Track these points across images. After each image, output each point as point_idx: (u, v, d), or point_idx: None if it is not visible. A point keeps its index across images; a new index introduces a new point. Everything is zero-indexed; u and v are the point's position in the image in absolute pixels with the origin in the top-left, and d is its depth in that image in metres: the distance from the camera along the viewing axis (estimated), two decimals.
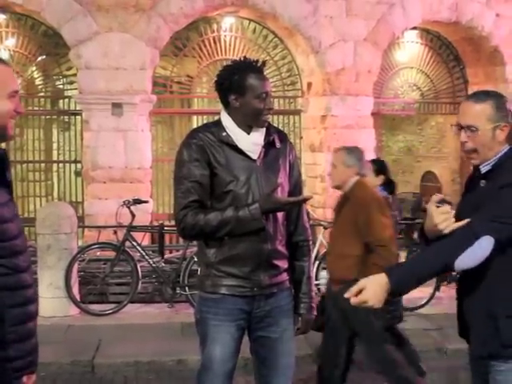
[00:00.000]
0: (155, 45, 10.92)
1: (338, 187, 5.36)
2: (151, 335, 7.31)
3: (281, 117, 12.30)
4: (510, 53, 12.50)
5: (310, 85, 11.97)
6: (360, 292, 2.79)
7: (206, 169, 3.39)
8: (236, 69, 3.47)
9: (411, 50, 13.11)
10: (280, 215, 3.50)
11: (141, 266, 8.45)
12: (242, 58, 3.57)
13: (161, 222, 10.08)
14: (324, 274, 8.29)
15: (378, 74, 12.12)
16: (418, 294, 8.91)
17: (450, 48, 13.22)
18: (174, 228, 10.51)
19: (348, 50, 11.59)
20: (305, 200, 3.53)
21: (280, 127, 12.42)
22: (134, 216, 8.59)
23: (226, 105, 3.48)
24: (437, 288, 8.63)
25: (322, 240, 8.57)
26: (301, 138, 12.26)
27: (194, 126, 13.14)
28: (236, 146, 3.43)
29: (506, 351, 2.87)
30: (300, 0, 11.38)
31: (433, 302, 8.61)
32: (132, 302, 8.34)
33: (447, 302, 8.58)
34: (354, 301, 2.81)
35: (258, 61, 3.51)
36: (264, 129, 3.51)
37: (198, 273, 3.64)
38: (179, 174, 3.45)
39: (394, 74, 13.05)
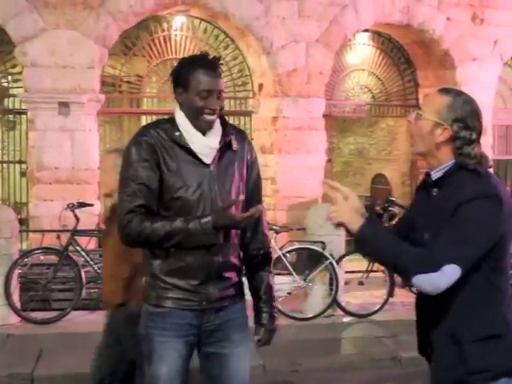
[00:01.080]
0: (104, 43, 10.68)
1: (107, 195, 4.73)
2: (96, 345, 7.05)
3: (231, 118, 12.14)
4: (460, 56, 12.59)
5: (261, 86, 11.86)
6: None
7: (155, 171, 3.14)
8: (187, 62, 3.27)
9: (363, 53, 13.11)
10: None
11: (85, 272, 8.22)
12: (198, 53, 3.40)
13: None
14: (276, 280, 8.19)
15: (330, 75, 12.07)
16: (370, 300, 8.90)
17: (402, 51, 13.25)
18: None
19: (300, 52, 11.51)
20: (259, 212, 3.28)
21: None
22: (78, 220, 8.36)
23: (177, 99, 3.28)
24: (390, 293, 8.54)
25: (273, 245, 8.41)
26: (251, 139, 12.13)
27: None
28: (189, 148, 3.18)
29: (472, 378, 2.70)
30: (252, 0, 11.27)
31: (386, 308, 8.53)
32: (76, 309, 8.11)
33: (400, 307, 8.57)
34: (329, 208, 2.73)
35: (210, 56, 3.26)
36: (220, 129, 3.28)
37: (143, 283, 3.35)
38: (126, 174, 3.18)
39: (346, 76, 13.03)
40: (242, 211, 3.20)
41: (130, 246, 3.27)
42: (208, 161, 3.23)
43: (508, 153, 13.91)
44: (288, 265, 8.32)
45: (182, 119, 3.23)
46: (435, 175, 2.84)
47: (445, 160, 2.81)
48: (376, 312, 8.44)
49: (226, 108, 12.15)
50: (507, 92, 13.73)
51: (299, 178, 11.46)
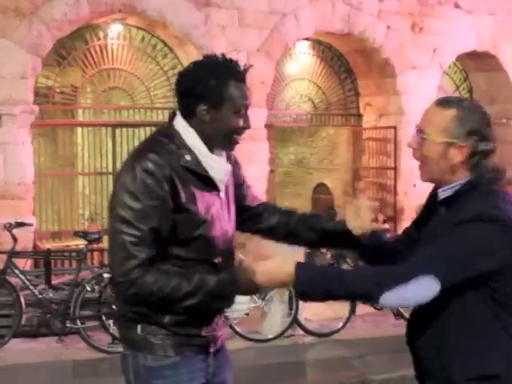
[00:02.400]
0: (37, 52, 10.20)
1: None
2: (37, 378, 6.57)
3: None
4: (400, 65, 12.56)
5: None
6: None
7: (168, 211, 2.53)
8: (214, 71, 2.65)
9: (303, 62, 12.95)
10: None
11: (24, 295, 7.73)
12: (220, 57, 2.72)
13: (47, 247, 9.38)
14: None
15: (271, 85, 11.87)
16: (331, 317, 8.55)
17: (342, 60, 13.14)
18: (62, 253, 9.82)
19: (241, 61, 11.18)
20: None
21: None
22: (16, 241, 7.87)
23: (189, 115, 2.66)
24: (352, 310, 8.19)
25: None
26: None
27: (79, 138, 12.50)
28: (205, 175, 2.63)
29: None
30: (191, 8, 10.97)
31: (348, 326, 8.15)
32: (16, 337, 7.60)
33: (362, 324, 8.29)
34: (247, 263, 2.49)
35: (239, 64, 2.74)
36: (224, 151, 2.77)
37: (127, 326, 2.71)
38: (132, 212, 2.49)
39: (286, 85, 12.86)
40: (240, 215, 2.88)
41: (131, 304, 2.61)
42: (223, 188, 2.75)
43: None
44: None
45: (193, 139, 2.64)
46: (443, 194, 2.53)
47: (459, 178, 2.49)
48: (338, 330, 8.10)
49: (166, 119, 11.75)
50: None
51: None
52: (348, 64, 13.14)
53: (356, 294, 2.48)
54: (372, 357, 5.85)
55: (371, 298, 2.38)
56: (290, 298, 7.98)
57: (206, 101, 2.62)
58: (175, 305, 2.56)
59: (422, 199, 2.67)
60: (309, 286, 2.39)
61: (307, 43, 12.77)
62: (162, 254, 2.57)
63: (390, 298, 2.32)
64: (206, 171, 2.65)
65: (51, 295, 7.93)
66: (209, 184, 2.67)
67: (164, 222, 2.53)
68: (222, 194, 2.75)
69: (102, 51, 11.25)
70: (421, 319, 2.52)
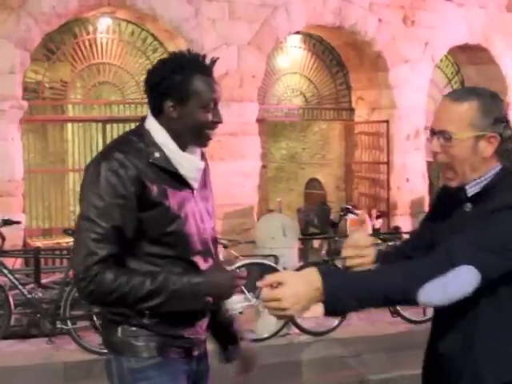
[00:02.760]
0: (25, 47, 10.05)
1: None
2: (27, 381, 6.39)
3: None
4: (392, 58, 12.48)
5: None
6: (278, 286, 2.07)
7: (132, 210, 2.50)
8: (179, 66, 2.59)
9: (294, 55, 12.86)
10: (214, 249, 2.78)
11: (13, 295, 7.59)
12: (186, 53, 2.67)
13: (37, 245, 9.25)
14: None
15: (262, 79, 11.77)
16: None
17: (333, 53, 13.06)
18: (52, 252, 9.65)
19: (231, 55, 11.15)
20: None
21: None
22: (4, 239, 7.70)
23: (158, 112, 2.62)
24: None
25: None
26: None
27: (69, 134, 12.36)
28: (175, 172, 2.59)
29: None
30: (181, 1, 10.84)
31: (344, 324, 7.87)
32: (5, 338, 7.46)
33: (359, 323, 8.07)
34: (265, 294, 2.09)
35: (205, 57, 2.66)
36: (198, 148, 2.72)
37: (108, 329, 2.67)
38: (95, 210, 2.48)
39: (278, 79, 12.76)
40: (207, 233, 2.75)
41: (90, 303, 2.62)
42: (196, 185, 2.69)
43: None
44: None
45: (162, 136, 2.61)
46: (471, 190, 2.34)
47: (487, 170, 2.32)
48: (334, 329, 7.83)
49: None
50: (438, 95, 13.67)
51: (234, 185, 11.09)
52: (339, 57, 13.05)
53: (394, 296, 2.17)
54: (369, 355, 5.72)
55: (410, 295, 2.10)
56: None
57: (171, 97, 2.59)
58: (138, 304, 2.51)
59: (415, 194, 2.55)
60: (339, 292, 2.11)
61: (298, 37, 12.68)
62: (136, 252, 2.56)
63: (430, 291, 2.09)
64: (176, 169, 2.61)
65: (41, 295, 7.77)
66: (181, 182, 2.63)
67: (128, 220, 2.51)
68: (197, 192, 2.70)
69: (91, 45, 11.12)
70: (447, 316, 2.32)
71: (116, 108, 11.55)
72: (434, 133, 2.32)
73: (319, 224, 13.17)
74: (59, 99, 11.47)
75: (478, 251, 2.12)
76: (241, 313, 8.26)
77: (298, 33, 12.40)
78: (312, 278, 2.09)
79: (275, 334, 7.63)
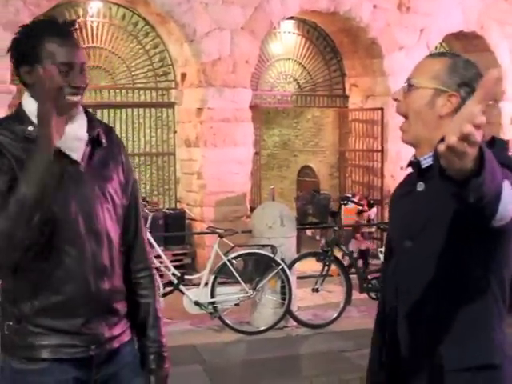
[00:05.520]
0: (14, 30, 9.73)
1: None
2: None
3: (153, 110, 11.55)
4: (387, 45, 12.32)
5: (184, 75, 11.26)
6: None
7: (5, 182, 2.29)
8: (30, 30, 2.45)
9: (288, 41, 12.71)
10: (115, 236, 2.51)
11: None
12: (44, 18, 2.55)
13: None
14: (221, 289, 7.52)
15: (255, 65, 11.60)
16: (325, 308, 8.19)
17: (327, 39, 12.90)
18: None
19: (224, 39, 10.97)
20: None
21: (152, 121, 11.70)
22: None
23: (23, 83, 2.45)
24: (347, 300, 7.71)
25: (217, 250, 7.71)
26: (175, 132, 11.56)
27: None
28: None
29: None
30: None
31: (343, 316, 7.72)
32: None
33: (358, 315, 7.89)
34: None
35: (60, 20, 2.46)
36: (84, 118, 2.50)
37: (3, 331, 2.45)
38: None
39: (271, 65, 12.61)
40: (120, 226, 2.55)
41: None
42: (77, 157, 2.44)
43: None
44: (235, 272, 7.44)
45: (32, 107, 2.39)
46: (426, 162, 2.22)
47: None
48: (333, 322, 7.67)
49: (148, 99, 11.54)
50: None
51: (226, 172, 10.95)
52: (334, 44, 12.90)
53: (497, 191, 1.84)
54: (369, 349, 5.50)
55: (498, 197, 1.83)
56: (283, 287, 7.49)
57: (25, 62, 2.42)
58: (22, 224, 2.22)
59: None
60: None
61: (292, 22, 12.51)
62: None
63: (505, 204, 1.85)
64: None
65: None
66: (59, 154, 2.36)
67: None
68: (83, 167, 2.45)
69: (81, 29, 10.90)
70: (413, 298, 2.22)
71: (106, 93, 11.37)
72: (405, 82, 2.30)
73: (315, 213, 13.02)
74: None
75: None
76: (237, 304, 7.99)
77: (291, 18, 12.23)
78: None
79: (272, 327, 7.40)
